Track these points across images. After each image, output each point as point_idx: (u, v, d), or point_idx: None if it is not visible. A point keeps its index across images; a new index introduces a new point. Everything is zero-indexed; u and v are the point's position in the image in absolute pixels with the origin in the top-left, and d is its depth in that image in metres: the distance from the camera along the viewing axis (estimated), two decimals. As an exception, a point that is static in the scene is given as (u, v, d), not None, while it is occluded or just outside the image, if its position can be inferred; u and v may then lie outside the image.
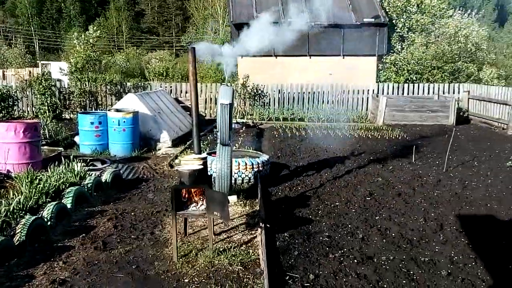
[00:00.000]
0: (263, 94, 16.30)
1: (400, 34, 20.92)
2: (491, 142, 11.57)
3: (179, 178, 5.11)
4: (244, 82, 15.96)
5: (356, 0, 19.36)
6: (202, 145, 10.13)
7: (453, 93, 16.46)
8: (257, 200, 6.43)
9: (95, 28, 16.45)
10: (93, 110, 14.33)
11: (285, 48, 17.94)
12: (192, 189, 4.77)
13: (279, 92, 16.51)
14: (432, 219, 5.89)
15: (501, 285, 4.21)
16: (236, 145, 10.07)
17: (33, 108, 14.75)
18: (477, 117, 15.45)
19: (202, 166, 4.93)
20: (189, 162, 5.08)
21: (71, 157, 7.84)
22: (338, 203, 6.51)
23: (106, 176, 7.18)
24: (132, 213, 6.00)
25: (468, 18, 22.27)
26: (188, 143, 10.60)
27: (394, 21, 20.95)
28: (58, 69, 16.22)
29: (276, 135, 12.30)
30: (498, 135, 12.79)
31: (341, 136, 12.13)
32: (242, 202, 6.52)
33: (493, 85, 16.54)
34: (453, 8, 24.50)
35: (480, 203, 6.57)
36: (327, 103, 16.47)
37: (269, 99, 16.45)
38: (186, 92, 15.92)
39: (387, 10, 20.81)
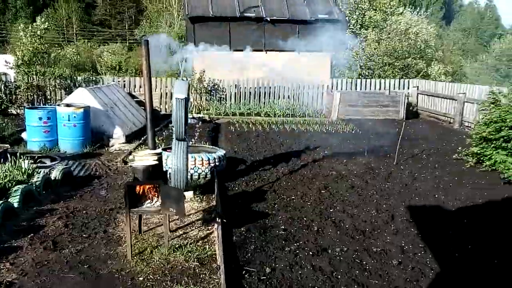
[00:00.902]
0: (219, 89, 16.21)
1: (353, 30, 21.38)
2: (439, 135, 12.08)
3: (133, 174, 5.00)
4: (201, 77, 15.82)
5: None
6: (157, 141, 9.95)
7: (403, 88, 17.02)
8: (213, 195, 6.39)
9: (43, 19, 15.75)
10: (42, 105, 13.75)
11: (242, 42, 17.94)
12: (147, 186, 4.68)
13: (235, 87, 16.48)
14: (384, 211, 6.08)
15: (448, 272, 4.41)
16: (193, 140, 9.95)
17: (-24, 103, 13.96)
18: (426, 111, 16.08)
19: (156, 162, 4.84)
20: (144, 158, 4.96)
21: (18, 154, 7.49)
22: (294, 197, 6.59)
23: (55, 174, 6.91)
24: (84, 211, 5.82)
25: (417, 15, 23.09)
26: (142, 138, 10.39)
27: (347, 17, 21.37)
28: (3, 62, 15.41)
29: (233, 130, 12.28)
30: (445, 128, 13.36)
31: (296, 131, 12.28)
32: (198, 197, 6.47)
33: (441, 81, 17.22)
34: (403, 6, 25.33)
35: (429, 194, 6.85)
36: (283, 98, 16.60)
37: (226, 94, 16.38)
38: (140, 87, 15.57)
39: (340, 6, 21.20)
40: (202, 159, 7.17)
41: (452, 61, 26.42)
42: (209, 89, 15.96)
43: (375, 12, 22.07)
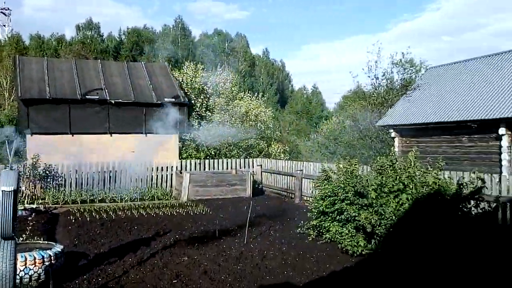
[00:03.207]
0: (57, 175, 14.93)
1: (199, 113, 22.21)
2: (283, 211, 12.76)
3: None
4: (34, 163, 14.42)
5: (157, 82, 19.93)
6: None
7: (249, 167, 17.92)
8: (48, 300, 5.57)
9: None
10: None
11: (84, 125, 17.13)
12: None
13: (76, 172, 15.39)
14: (237, 295, 5.98)
15: None
16: (23, 236, 8.76)
17: None
18: (270, 188, 17.05)
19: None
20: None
21: None
22: (143, 291, 6.11)
23: None
24: None
25: (256, 100, 25.22)
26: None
27: (193, 101, 22.21)
28: None
29: (73, 220, 11.20)
30: (288, 204, 14.22)
31: (146, 216, 11.76)
32: (29, 305, 5.56)
33: (281, 159, 18.64)
34: (243, 91, 27.48)
35: (278, 272, 7.01)
36: (131, 181, 16.00)
37: (65, 180, 15.14)
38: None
39: (186, 91, 22.00)
40: (35, 258, 6.32)
41: (289, 140, 29.06)
42: (45, 175, 14.58)
43: (219, 97, 23.45)
